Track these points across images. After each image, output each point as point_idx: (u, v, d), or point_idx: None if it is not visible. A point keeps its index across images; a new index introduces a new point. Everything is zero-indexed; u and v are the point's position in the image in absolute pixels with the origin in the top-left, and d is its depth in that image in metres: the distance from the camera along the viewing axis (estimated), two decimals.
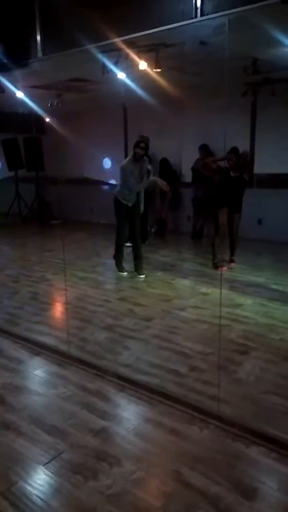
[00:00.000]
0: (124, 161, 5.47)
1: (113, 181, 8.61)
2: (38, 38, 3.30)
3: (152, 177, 5.66)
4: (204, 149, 7.48)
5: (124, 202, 5.38)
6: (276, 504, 1.92)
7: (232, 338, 3.61)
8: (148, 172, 5.61)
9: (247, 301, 4.54)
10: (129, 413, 2.63)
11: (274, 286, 5.03)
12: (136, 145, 5.36)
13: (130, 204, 5.38)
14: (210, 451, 2.26)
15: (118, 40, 2.75)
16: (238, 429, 2.38)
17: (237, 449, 2.26)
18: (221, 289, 4.37)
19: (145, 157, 5.57)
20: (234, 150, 5.84)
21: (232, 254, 5.96)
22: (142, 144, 5.39)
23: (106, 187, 9.19)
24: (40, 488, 2.04)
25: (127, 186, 5.33)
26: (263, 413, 2.57)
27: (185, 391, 2.79)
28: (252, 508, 1.88)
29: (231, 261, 5.94)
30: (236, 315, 4.12)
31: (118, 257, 5.68)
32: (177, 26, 2.49)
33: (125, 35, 2.71)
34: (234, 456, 2.21)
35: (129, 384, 2.89)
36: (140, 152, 5.31)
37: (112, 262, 5.78)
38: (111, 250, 5.83)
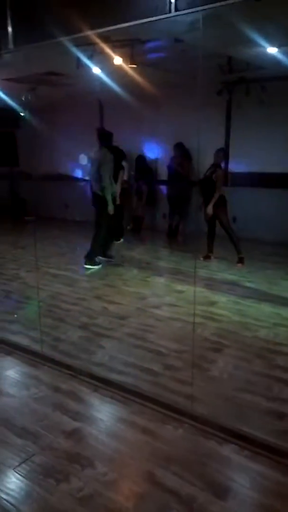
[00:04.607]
0: None
1: (88, 178, 8.54)
2: (10, 29, 3.20)
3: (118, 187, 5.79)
4: (179, 148, 7.48)
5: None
6: (248, 502, 1.93)
7: (206, 336, 3.63)
8: (122, 167, 5.62)
9: (221, 298, 4.57)
10: (102, 414, 2.60)
11: (248, 284, 5.09)
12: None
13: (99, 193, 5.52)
14: (183, 450, 2.25)
15: (91, 33, 2.69)
16: (211, 428, 2.38)
17: (210, 448, 2.26)
18: (195, 287, 4.38)
19: (104, 149, 5.58)
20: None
21: (238, 251, 5.89)
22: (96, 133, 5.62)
23: (81, 183, 9.07)
24: (10, 492, 1.98)
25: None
26: (236, 410, 2.58)
27: (159, 390, 2.78)
28: (225, 507, 1.89)
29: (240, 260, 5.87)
30: (211, 313, 4.14)
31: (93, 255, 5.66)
32: (150, 21, 2.47)
33: (98, 29, 2.67)
34: (207, 455, 2.21)
35: (103, 384, 2.85)
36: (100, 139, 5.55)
37: None
38: (86, 247, 5.76)
